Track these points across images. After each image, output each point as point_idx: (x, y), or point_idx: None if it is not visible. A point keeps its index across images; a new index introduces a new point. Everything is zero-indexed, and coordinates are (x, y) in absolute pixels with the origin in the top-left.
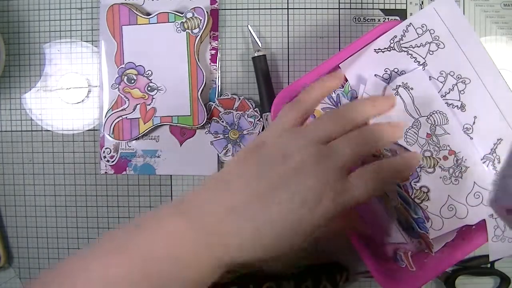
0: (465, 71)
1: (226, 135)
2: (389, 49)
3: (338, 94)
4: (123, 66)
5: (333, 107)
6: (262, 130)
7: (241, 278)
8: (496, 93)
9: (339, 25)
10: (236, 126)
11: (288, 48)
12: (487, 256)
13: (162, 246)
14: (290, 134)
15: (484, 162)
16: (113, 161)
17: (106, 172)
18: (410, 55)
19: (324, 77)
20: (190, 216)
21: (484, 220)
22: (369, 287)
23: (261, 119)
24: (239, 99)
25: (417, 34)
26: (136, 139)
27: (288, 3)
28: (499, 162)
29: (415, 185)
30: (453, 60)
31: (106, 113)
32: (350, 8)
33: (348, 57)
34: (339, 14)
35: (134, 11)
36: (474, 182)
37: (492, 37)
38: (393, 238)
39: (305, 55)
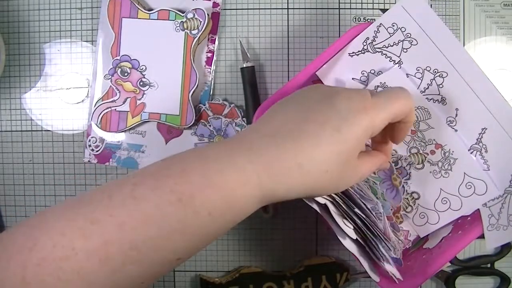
0: (441, 65)
1: (212, 140)
2: (363, 52)
3: None
4: (118, 58)
5: None
6: None
7: (241, 278)
8: (474, 83)
9: (339, 25)
10: (222, 133)
11: (288, 48)
12: (487, 256)
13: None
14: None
15: (471, 153)
16: (97, 151)
17: (89, 161)
18: (384, 55)
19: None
20: (255, 163)
21: (478, 210)
22: (369, 287)
23: None
24: (230, 106)
25: (389, 33)
26: (122, 131)
27: (288, 3)
28: (486, 151)
29: (407, 186)
30: (428, 55)
31: (96, 102)
32: (350, 8)
33: (324, 64)
34: (339, 14)
35: (136, 4)
36: (464, 173)
37: (492, 37)
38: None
39: (305, 55)
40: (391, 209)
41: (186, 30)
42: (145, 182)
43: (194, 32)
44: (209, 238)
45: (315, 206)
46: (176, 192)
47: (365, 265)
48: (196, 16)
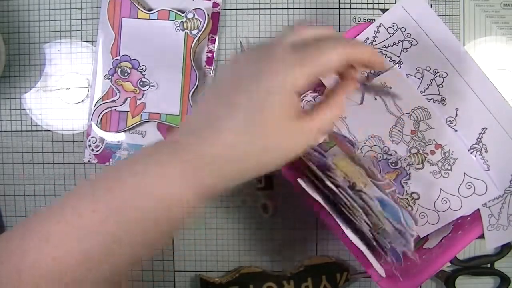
0: (441, 65)
1: None
2: None
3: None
4: (118, 58)
5: None
6: None
7: (241, 278)
8: (474, 83)
9: (339, 25)
10: None
11: None
12: (487, 256)
13: (148, 189)
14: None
15: (471, 153)
16: (97, 151)
17: (89, 161)
18: (384, 55)
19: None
20: (180, 154)
21: (478, 210)
22: (369, 287)
23: None
24: None
25: (389, 33)
26: (122, 131)
27: (288, 3)
28: (486, 151)
29: (407, 186)
30: (428, 56)
31: (96, 102)
32: (350, 8)
33: None
34: (339, 14)
35: (136, 4)
36: (464, 173)
37: (492, 37)
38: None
39: None
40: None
41: (186, 30)
42: (85, 200)
43: (194, 32)
44: (153, 244)
45: (319, 198)
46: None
47: (371, 258)
48: (196, 16)
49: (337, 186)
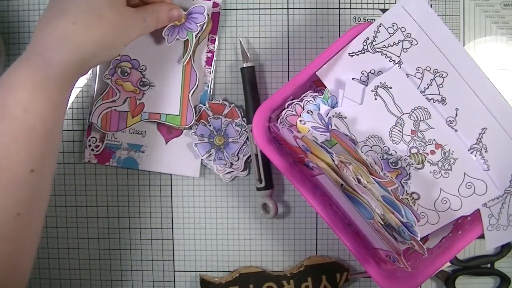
0: (441, 65)
1: (211, 140)
2: (363, 52)
3: (318, 102)
4: (118, 58)
5: (323, 127)
6: (247, 139)
7: (241, 278)
8: (474, 83)
9: (339, 25)
10: (222, 133)
11: (288, 48)
12: (487, 256)
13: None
14: None
15: (471, 153)
16: (97, 151)
17: (89, 161)
18: (384, 55)
19: None
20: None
21: (478, 210)
22: (369, 287)
23: (246, 129)
24: (230, 106)
25: (389, 33)
26: (122, 131)
27: (288, 3)
28: (486, 151)
29: (407, 186)
30: (428, 55)
31: (96, 102)
32: (350, 8)
33: (324, 64)
34: (339, 14)
35: None
36: (464, 173)
37: (492, 37)
38: (378, 244)
39: (305, 55)
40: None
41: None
42: None
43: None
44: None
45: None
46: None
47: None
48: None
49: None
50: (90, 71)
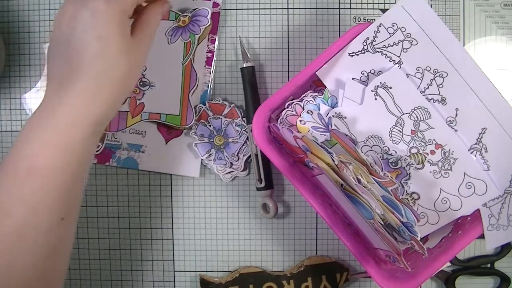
0: (441, 65)
1: (211, 140)
2: (363, 52)
3: (318, 102)
4: None
5: (323, 127)
6: (247, 139)
7: (241, 278)
8: (474, 83)
9: (339, 25)
10: (222, 133)
11: (288, 48)
12: (487, 256)
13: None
14: None
15: (472, 153)
16: (97, 151)
17: None
18: (384, 55)
19: None
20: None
21: (478, 210)
22: (369, 287)
23: (246, 129)
24: (230, 106)
25: (389, 33)
26: (122, 131)
27: (288, 3)
28: (486, 151)
29: (407, 186)
30: (428, 55)
31: None
32: (350, 8)
33: (324, 64)
34: (339, 14)
35: None
36: (464, 173)
37: (492, 37)
38: (378, 244)
39: (305, 55)
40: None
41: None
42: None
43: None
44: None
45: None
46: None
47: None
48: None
49: (344, 179)
50: None
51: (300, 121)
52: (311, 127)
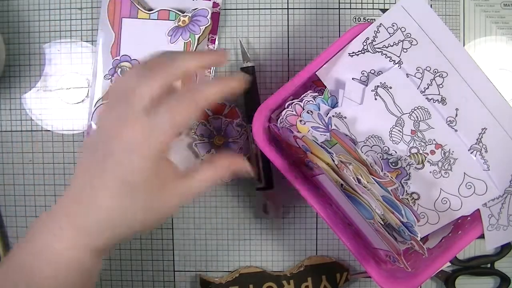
0: (441, 65)
1: (211, 140)
2: (363, 52)
3: (318, 102)
4: (118, 58)
5: (323, 127)
6: (247, 139)
7: (241, 278)
8: (474, 83)
9: (339, 25)
10: (222, 133)
11: (288, 48)
12: (487, 256)
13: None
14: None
15: (472, 153)
16: None
17: None
18: (384, 55)
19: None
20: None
21: (478, 210)
22: (369, 287)
23: (246, 129)
24: (230, 106)
25: (389, 33)
26: None
27: (288, 3)
28: (486, 151)
29: (407, 186)
30: (428, 56)
31: (96, 102)
32: (350, 8)
33: (324, 64)
34: (339, 14)
35: (136, 4)
36: (464, 173)
37: (492, 37)
38: (378, 244)
39: (305, 55)
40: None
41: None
42: None
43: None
44: None
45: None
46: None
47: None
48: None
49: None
50: (90, 71)
51: (300, 121)
52: (311, 127)
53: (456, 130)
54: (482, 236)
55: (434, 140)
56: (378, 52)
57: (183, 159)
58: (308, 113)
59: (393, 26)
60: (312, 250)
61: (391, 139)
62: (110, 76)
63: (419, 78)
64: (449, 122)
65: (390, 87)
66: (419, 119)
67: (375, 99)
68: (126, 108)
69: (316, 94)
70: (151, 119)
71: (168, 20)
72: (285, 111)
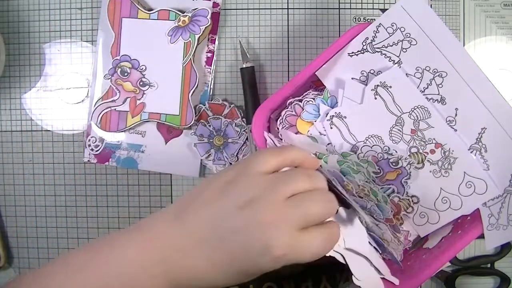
0: (441, 65)
1: (211, 140)
2: (362, 52)
3: (318, 102)
4: (118, 58)
5: (323, 127)
6: (246, 139)
7: None
8: (474, 83)
9: (339, 25)
10: (222, 133)
11: (288, 48)
12: (487, 256)
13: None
14: (263, 180)
15: (471, 152)
16: (97, 151)
17: (89, 161)
18: (384, 55)
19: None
20: (150, 246)
21: (478, 210)
22: None
23: (246, 129)
24: (230, 106)
25: (388, 33)
26: (122, 131)
27: (288, 3)
28: (486, 150)
29: (407, 186)
30: (427, 55)
31: (96, 102)
32: (350, 8)
33: (324, 64)
34: (339, 14)
35: (136, 4)
36: (464, 172)
37: (492, 37)
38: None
39: (305, 55)
40: (391, 211)
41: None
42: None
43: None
44: None
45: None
46: None
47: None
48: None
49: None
50: (90, 71)
51: (300, 121)
52: (311, 127)
53: (455, 130)
54: (482, 236)
55: (434, 139)
56: (378, 52)
57: (182, 160)
58: (308, 113)
59: (393, 26)
60: None
61: (391, 138)
62: (110, 76)
63: (418, 78)
64: (448, 122)
65: (390, 86)
66: (419, 118)
67: (375, 98)
68: (272, 189)
69: (316, 94)
70: (293, 204)
71: (168, 20)
72: (285, 111)
